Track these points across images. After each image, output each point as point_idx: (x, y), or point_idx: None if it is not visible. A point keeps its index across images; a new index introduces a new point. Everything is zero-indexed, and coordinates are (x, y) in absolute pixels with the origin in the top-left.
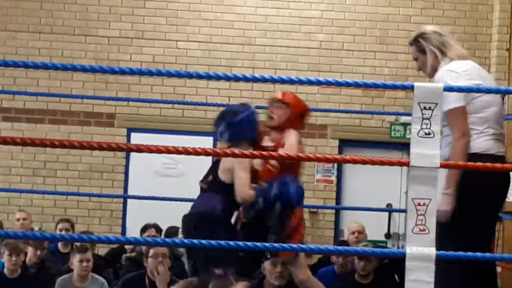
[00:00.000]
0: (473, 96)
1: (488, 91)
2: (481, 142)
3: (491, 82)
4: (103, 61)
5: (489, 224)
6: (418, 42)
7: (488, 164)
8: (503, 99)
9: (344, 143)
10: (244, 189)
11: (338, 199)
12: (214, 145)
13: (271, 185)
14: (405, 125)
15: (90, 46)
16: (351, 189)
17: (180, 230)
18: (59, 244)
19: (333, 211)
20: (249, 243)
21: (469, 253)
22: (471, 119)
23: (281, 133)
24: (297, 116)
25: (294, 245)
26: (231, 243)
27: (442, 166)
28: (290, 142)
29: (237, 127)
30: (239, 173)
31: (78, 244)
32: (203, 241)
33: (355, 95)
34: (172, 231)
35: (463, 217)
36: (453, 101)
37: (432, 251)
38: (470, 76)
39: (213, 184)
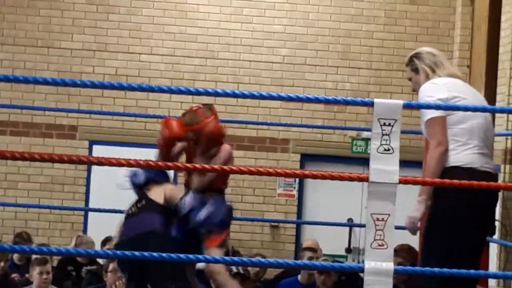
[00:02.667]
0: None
1: (447, 107)
2: (464, 156)
3: (478, 100)
4: (65, 73)
5: (470, 241)
6: (412, 61)
7: (446, 180)
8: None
9: (306, 158)
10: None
11: (299, 213)
12: None
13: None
14: (367, 140)
15: (53, 58)
16: (312, 204)
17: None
18: (15, 256)
19: (294, 225)
20: (217, 257)
21: (427, 268)
22: (454, 130)
23: None
24: None
25: (253, 259)
26: (191, 256)
27: (401, 182)
28: None
29: None
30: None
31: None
32: (163, 254)
33: (317, 110)
34: None
35: (440, 233)
36: (430, 112)
37: (390, 266)
38: (450, 89)
39: (147, 206)
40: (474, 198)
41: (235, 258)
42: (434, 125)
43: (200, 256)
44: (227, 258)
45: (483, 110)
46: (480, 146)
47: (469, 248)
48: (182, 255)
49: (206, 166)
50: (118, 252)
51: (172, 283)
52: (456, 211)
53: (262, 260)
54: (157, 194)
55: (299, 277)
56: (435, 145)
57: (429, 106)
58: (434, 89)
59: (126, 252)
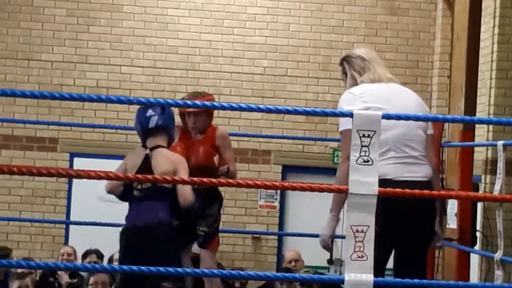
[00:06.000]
0: None
1: (414, 118)
2: (379, 167)
3: (404, 108)
4: (46, 85)
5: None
6: (342, 64)
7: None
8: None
9: (288, 169)
10: (188, 192)
11: (281, 224)
12: None
13: None
14: None
15: (33, 71)
16: (294, 215)
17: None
18: None
19: (276, 237)
20: (197, 270)
21: (407, 280)
22: None
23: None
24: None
25: (233, 272)
26: (180, 270)
27: (380, 193)
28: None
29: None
30: (184, 176)
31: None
32: (143, 268)
33: (298, 121)
34: (114, 258)
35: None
36: (343, 123)
37: (370, 277)
38: (366, 99)
39: (152, 191)
40: (392, 209)
41: (215, 271)
42: (346, 137)
43: (180, 269)
44: (206, 271)
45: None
46: (397, 156)
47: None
48: (161, 268)
49: (186, 178)
50: (97, 266)
51: (169, 282)
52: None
53: (242, 272)
54: (163, 173)
55: None
56: (344, 159)
57: (408, 117)
58: (348, 101)
59: (106, 266)
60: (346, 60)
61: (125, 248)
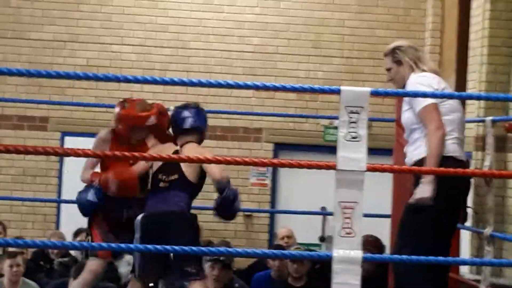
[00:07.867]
0: (442, 99)
1: (417, 94)
2: (447, 145)
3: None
4: (36, 64)
5: (446, 226)
6: (395, 53)
7: (415, 167)
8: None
9: (279, 147)
10: (222, 170)
11: (272, 202)
12: None
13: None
14: None
15: (23, 50)
16: (286, 193)
17: (139, 229)
18: None
19: (268, 214)
20: (186, 248)
21: (395, 256)
22: None
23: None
24: None
25: (221, 249)
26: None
27: (368, 169)
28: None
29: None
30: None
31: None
32: (131, 245)
33: (289, 98)
34: None
35: (421, 216)
36: (426, 99)
37: (358, 254)
38: (440, 82)
39: (178, 183)
40: (453, 185)
41: (203, 248)
42: (432, 110)
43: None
44: (194, 248)
45: (460, 97)
46: (458, 137)
47: (443, 235)
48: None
49: (174, 156)
50: (85, 243)
51: (192, 266)
52: (437, 196)
53: (230, 249)
54: (189, 166)
55: (271, 271)
56: (435, 129)
57: (397, 94)
58: (427, 80)
59: (95, 244)
60: (398, 49)
61: (145, 234)
